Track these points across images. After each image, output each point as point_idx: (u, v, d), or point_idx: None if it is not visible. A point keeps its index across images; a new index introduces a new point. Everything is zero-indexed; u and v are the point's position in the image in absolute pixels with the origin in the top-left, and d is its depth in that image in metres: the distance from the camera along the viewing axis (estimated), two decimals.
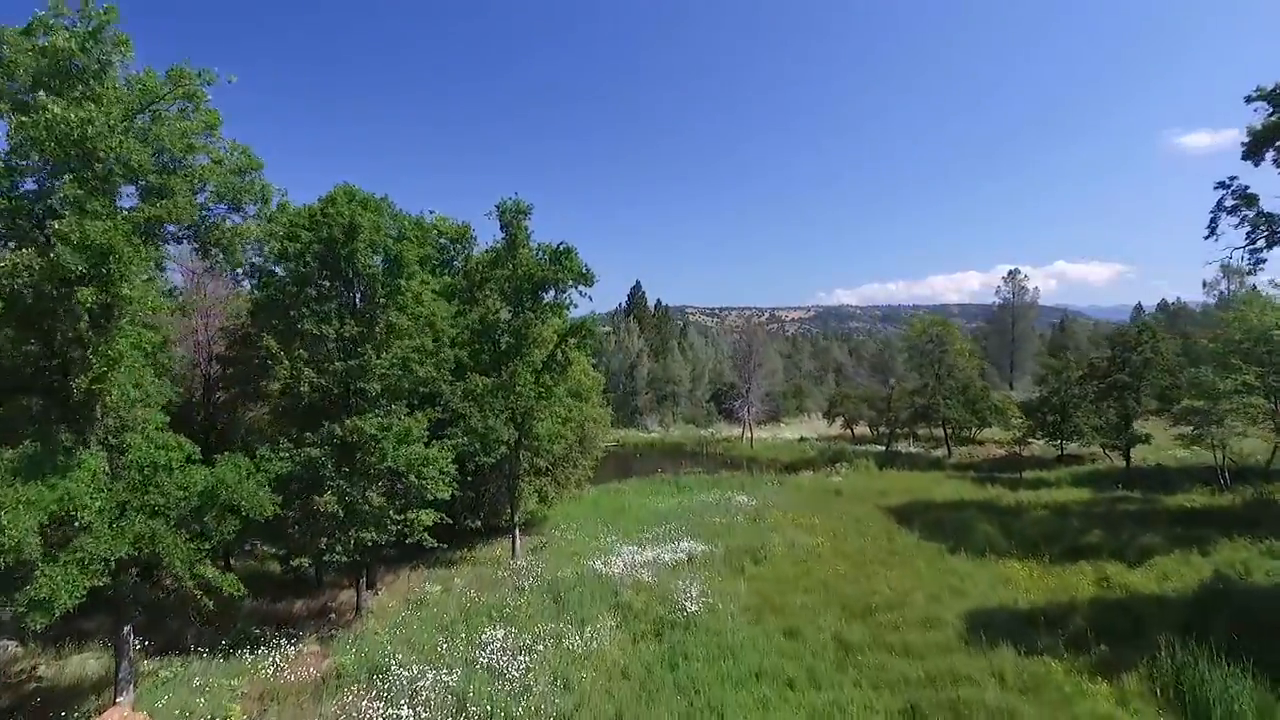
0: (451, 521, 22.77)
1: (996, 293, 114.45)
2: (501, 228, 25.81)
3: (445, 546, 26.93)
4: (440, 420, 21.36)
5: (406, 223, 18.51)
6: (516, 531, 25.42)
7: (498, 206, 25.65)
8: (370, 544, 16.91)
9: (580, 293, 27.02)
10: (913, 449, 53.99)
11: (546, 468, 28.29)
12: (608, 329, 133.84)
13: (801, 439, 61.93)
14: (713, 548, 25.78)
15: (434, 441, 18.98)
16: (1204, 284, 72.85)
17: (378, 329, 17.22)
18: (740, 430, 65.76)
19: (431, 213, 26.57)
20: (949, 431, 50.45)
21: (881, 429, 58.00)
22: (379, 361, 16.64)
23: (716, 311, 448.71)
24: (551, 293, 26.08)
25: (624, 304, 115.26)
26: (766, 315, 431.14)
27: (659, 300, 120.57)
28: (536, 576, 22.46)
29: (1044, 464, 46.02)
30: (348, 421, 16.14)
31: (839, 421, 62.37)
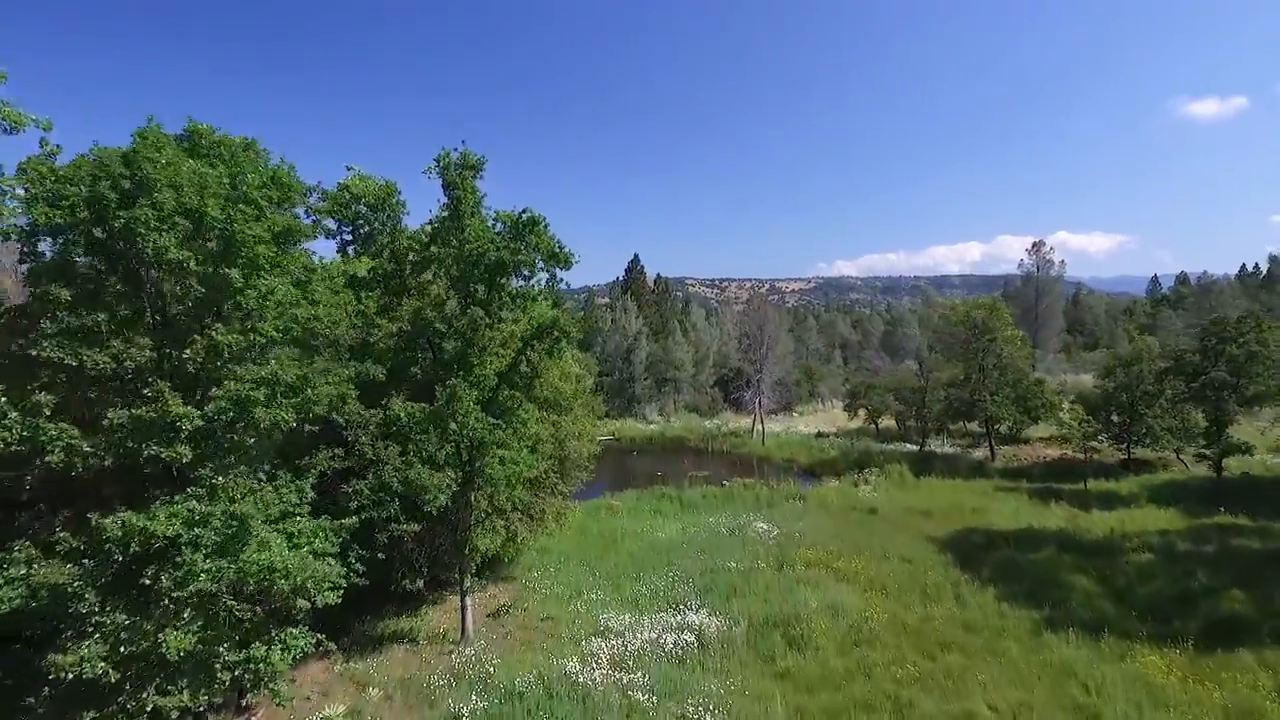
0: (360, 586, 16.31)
1: (1019, 266, 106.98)
2: (444, 189, 18.81)
3: (381, 611, 20.80)
4: (342, 472, 14.69)
5: (254, 176, 11.54)
6: (467, 603, 18.91)
7: (437, 160, 18.61)
8: (176, 713, 10.32)
9: (555, 277, 20.35)
10: (948, 448, 47.44)
11: (515, 504, 21.68)
12: (605, 300, 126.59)
13: (819, 434, 55.29)
14: (730, 622, 19.32)
15: (302, 524, 12.24)
16: (1271, 258, 65.58)
17: (189, 354, 10.43)
18: (750, 421, 59.13)
19: (350, 169, 19.50)
20: (993, 430, 43.77)
21: (910, 422, 51.34)
22: (184, 412, 9.88)
23: (717, 283, 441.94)
24: (516, 279, 19.27)
25: (621, 278, 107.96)
26: (767, 287, 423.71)
27: (659, 274, 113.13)
28: (485, 683, 15.98)
29: (1106, 470, 39.45)
30: (121, 518, 9.42)
31: (861, 414, 55.64)
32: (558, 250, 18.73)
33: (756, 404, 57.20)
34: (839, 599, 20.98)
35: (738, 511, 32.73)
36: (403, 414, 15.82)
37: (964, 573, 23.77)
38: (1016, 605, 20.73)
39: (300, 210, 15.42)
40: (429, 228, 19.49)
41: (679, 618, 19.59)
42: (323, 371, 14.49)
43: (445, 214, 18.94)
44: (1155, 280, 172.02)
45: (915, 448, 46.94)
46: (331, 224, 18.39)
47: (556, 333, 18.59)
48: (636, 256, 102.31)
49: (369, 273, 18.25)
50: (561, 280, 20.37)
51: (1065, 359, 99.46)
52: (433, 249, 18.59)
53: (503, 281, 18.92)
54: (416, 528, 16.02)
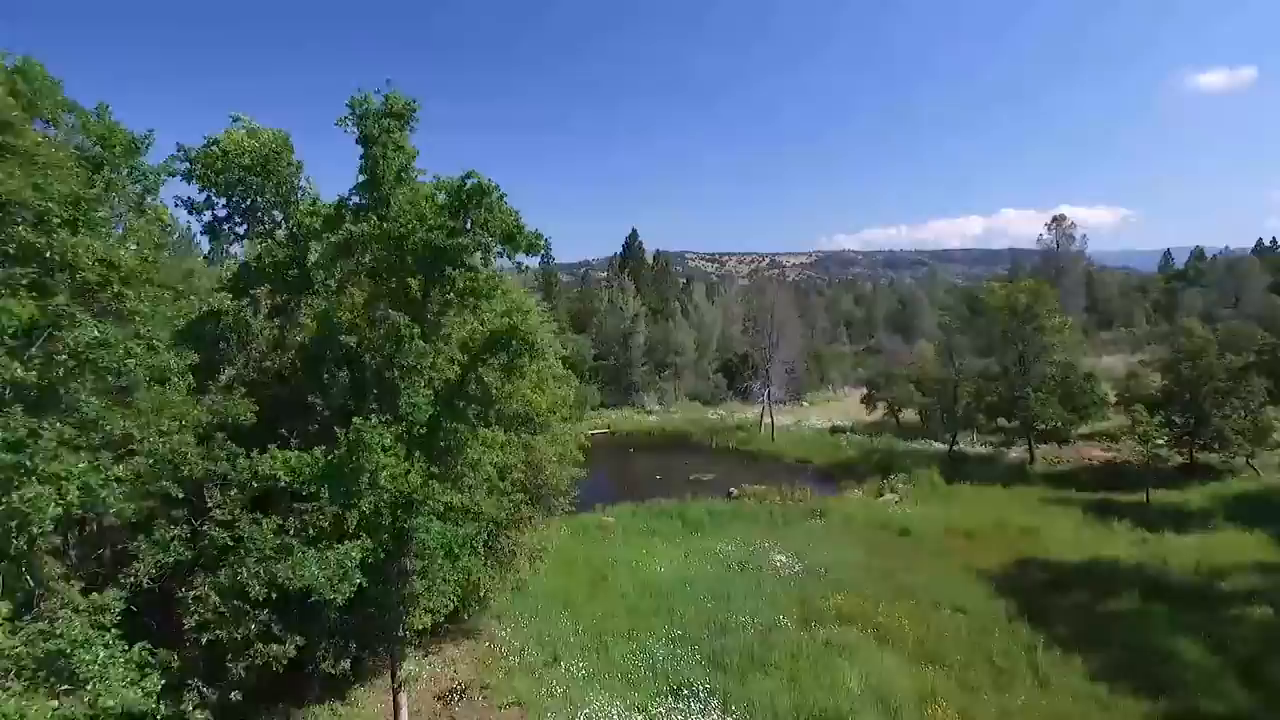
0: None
1: (1038, 240, 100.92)
2: (360, 144, 13.71)
3: (302, 698, 16.15)
4: (188, 565, 9.88)
5: None
6: (402, 701, 14.30)
7: (351, 106, 13.51)
8: None
9: (518, 266, 15.54)
10: (979, 447, 42.67)
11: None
12: (604, 275, 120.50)
13: (834, 429, 50.53)
14: None
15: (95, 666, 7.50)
16: None
17: None
18: (759, 413, 54.21)
19: (237, 120, 14.27)
20: (1033, 430, 38.87)
21: (935, 412, 46.51)
22: None
23: (716, 257, 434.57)
24: (463, 268, 14.21)
25: (619, 255, 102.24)
26: (767, 261, 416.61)
27: (658, 250, 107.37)
28: None
29: (1164, 477, 34.58)
30: None
31: (880, 407, 50.75)
32: (516, 231, 13.73)
33: (765, 395, 52.31)
34: (886, 679, 16.41)
35: (749, 534, 28.08)
36: (283, 471, 10.91)
37: (1034, 629, 19.21)
38: (1116, 687, 16.13)
39: (123, 171, 10.36)
40: (341, 204, 14.42)
41: (682, 714, 14.97)
42: (152, 414, 9.59)
43: (362, 183, 13.90)
44: (1168, 255, 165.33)
45: (944, 446, 42.19)
46: (196, 193, 13.25)
47: (516, 344, 13.60)
48: (635, 232, 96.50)
49: (254, 262, 13.21)
50: (537, 265, 15.55)
51: (1085, 338, 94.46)
52: (345, 228, 13.53)
53: (451, 274, 13.84)
54: (296, 648, 11.16)
